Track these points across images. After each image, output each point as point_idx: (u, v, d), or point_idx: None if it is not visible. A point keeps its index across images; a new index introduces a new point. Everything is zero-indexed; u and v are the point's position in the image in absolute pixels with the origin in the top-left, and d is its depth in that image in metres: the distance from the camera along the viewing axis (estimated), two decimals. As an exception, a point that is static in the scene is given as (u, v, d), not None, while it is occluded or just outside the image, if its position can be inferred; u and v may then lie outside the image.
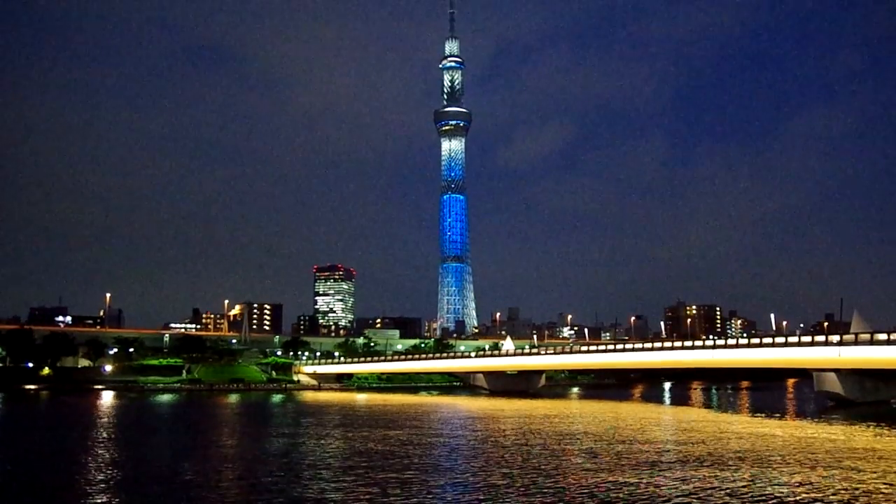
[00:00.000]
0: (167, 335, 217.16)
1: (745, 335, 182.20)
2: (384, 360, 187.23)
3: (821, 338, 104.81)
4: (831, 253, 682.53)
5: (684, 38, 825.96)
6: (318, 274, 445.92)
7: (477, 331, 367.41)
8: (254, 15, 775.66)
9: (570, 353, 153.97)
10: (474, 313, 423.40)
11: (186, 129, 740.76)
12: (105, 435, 70.64)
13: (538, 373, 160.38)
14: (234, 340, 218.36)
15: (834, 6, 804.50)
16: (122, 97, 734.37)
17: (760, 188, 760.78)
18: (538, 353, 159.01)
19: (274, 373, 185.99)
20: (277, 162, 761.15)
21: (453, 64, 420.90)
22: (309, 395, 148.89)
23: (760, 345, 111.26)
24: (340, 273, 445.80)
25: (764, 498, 36.20)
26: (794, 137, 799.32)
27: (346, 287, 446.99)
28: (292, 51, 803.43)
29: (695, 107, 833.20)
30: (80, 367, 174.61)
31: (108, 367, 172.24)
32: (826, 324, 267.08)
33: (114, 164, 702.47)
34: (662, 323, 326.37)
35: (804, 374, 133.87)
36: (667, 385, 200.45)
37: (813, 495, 36.73)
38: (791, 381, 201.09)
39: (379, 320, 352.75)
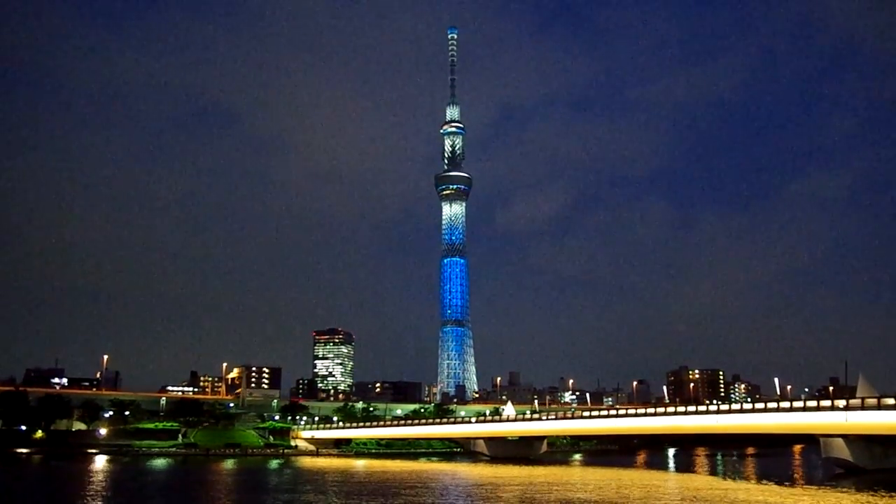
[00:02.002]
0: (164, 398, 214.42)
1: (748, 400, 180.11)
2: (383, 426, 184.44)
3: (826, 402, 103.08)
4: (834, 316, 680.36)
5: (684, 102, 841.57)
6: (317, 337, 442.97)
7: (477, 395, 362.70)
8: (256, 80, 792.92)
9: (572, 418, 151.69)
10: (475, 378, 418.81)
11: (185, 190, 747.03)
12: None
13: (540, 438, 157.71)
14: (231, 404, 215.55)
15: (830, 72, 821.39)
16: (122, 159, 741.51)
17: (762, 251, 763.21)
18: (539, 419, 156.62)
19: (271, 437, 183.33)
20: (278, 224, 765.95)
21: (454, 129, 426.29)
22: (307, 461, 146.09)
23: (765, 409, 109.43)
24: (340, 337, 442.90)
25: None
26: (793, 200, 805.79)
27: (345, 351, 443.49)
28: (294, 115, 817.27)
29: (695, 170, 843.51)
30: (74, 430, 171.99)
31: (103, 431, 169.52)
32: (831, 388, 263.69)
33: (112, 226, 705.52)
34: (665, 387, 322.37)
35: (811, 440, 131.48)
36: (670, 451, 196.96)
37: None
38: (797, 448, 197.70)
39: (378, 385, 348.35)
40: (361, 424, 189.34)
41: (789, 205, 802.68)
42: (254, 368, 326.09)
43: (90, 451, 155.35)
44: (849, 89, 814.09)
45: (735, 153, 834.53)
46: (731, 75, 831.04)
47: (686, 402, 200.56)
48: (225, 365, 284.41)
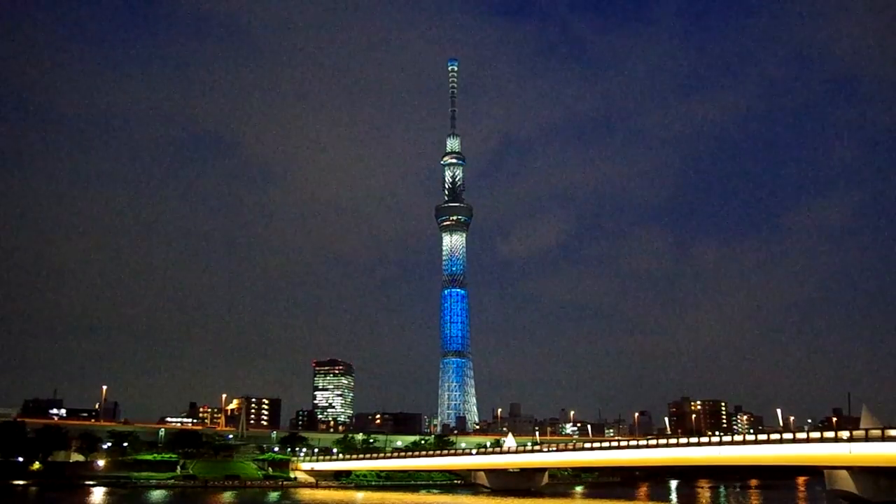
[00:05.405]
0: (163, 429, 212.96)
1: (751, 431, 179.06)
2: (383, 458, 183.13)
3: (830, 434, 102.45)
4: (837, 347, 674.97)
5: (684, 132, 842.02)
6: (317, 368, 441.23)
7: (478, 427, 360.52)
8: (255, 109, 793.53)
9: (574, 450, 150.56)
10: (475, 409, 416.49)
11: (184, 220, 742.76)
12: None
13: (541, 470, 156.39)
14: (230, 436, 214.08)
15: (830, 100, 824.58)
16: (119, 187, 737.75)
17: (763, 281, 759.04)
18: (541, 451, 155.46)
19: (271, 469, 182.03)
20: (277, 254, 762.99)
21: (454, 160, 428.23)
22: (306, 494, 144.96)
23: (768, 441, 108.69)
24: (340, 368, 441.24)
25: None
26: (794, 230, 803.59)
27: (345, 382, 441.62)
28: (293, 144, 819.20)
29: (695, 199, 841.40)
30: (71, 461, 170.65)
31: (101, 462, 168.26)
32: (835, 419, 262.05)
33: (110, 255, 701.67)
34: (667, 419, 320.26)
35: (815, 472, 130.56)
36: (673, 483, 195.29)
37: None
38: (801, 479, 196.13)
39: (378, 416, 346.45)
40: (361, 456, 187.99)
41: (790, 235, 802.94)
42: (253, 400, 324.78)
43: (88, 482, 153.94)
44: (849, 119, 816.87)
45: (736, 183, 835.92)
46: (732, 106, 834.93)
47: (688, 434, 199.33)
48: (224, 396, 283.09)
